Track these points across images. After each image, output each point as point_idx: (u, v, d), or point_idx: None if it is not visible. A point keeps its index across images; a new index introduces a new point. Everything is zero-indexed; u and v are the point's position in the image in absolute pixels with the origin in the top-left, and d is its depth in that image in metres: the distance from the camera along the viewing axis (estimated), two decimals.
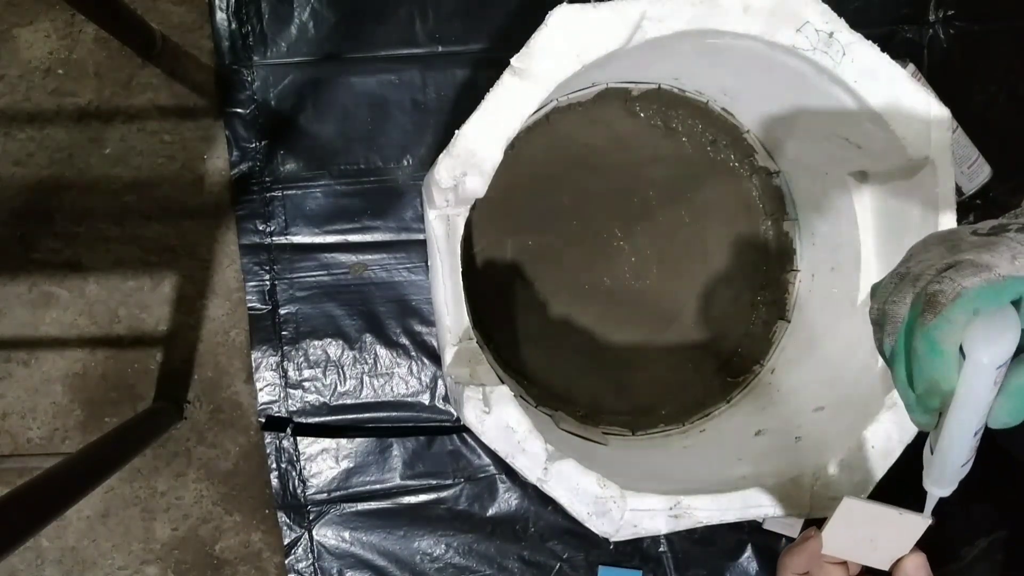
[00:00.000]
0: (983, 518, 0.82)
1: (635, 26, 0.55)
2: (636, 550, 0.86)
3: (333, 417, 0.83)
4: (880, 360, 0.64)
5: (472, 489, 0.84)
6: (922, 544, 0.44)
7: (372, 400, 0.83)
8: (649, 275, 0.79)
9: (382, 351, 0.83)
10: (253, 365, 0.82)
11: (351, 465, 0.83)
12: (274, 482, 0.83)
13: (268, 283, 0.82)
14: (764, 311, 0.82)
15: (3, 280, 0.81)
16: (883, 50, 0.58)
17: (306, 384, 0.83)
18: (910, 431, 0.61)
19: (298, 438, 0.82)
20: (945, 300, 0.29)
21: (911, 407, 0.36)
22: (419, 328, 0.83)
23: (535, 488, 0.57)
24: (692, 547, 0.85)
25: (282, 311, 0.82)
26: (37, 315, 0.82)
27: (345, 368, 0.83)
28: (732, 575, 0.86)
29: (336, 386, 0.83)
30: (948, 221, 0.61)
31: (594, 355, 0.79)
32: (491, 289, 0.77)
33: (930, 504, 0.41)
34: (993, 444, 0.78)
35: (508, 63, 0.55)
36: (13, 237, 0.81)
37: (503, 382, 0.57)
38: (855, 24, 0.58)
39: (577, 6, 0.55)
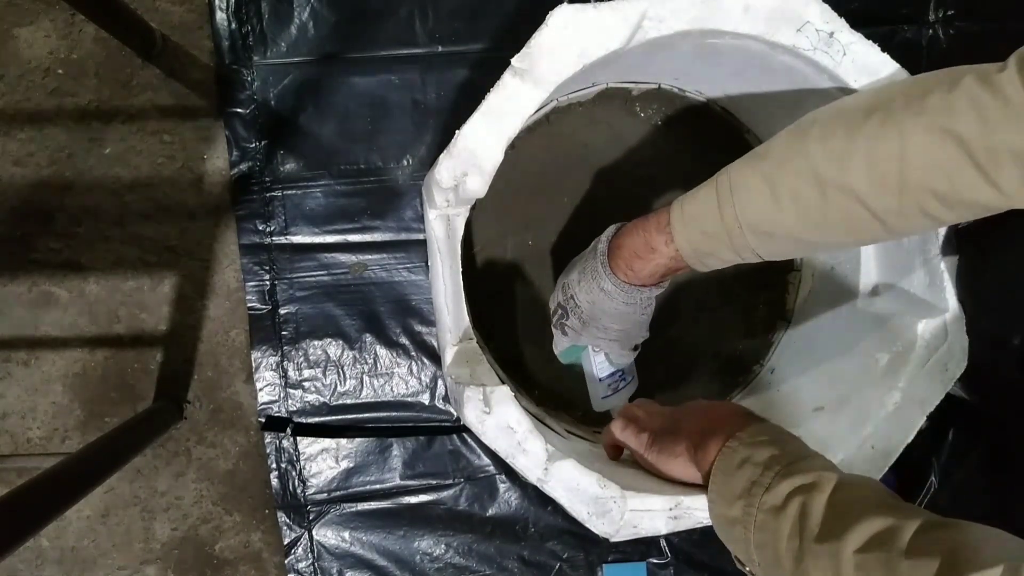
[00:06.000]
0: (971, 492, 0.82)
1: (635, 26, 0.55)
2: (636, 550, 0.86)
3: (333, 417, 0.83)
4: (880, 360, 0.65)
5: (472, 489, 0.84)
6: None
7: (372, 400, 0.83)
8: None
9: (382, 351, 0.83)
10: (253, 365, 0.82)
11: (351, 465, 0.83)
12: (274, 482, 0.83)
13: (268, 283, 0.82)
14: (764, 311, 0.82)
15: (3, 280, 0.81)
16: (883, 50, 0.58)
17: (306, 384, 0.83)
18: (910, 431, 0.62)
19: (298, 438, 0.82)
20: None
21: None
22: (419, 328, 0.83)
23: (535, 488, 0.57)
24: (693, 547, 0.85)
25: (282, 311, 0.82)
26: (37, 315, 0.82)
27: (345, 368, 0.83)
28: (732, 575, 0.86)
29: (336, 386, 0.83)
30: None
31: None
32: (491, 289, 0.76)
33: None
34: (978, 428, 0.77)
35: (508, 63, 0.55)
36: (13, 237, 0.81)
37: (503, 382, 0.57)
38: (855, 24, 0.58)
39: (578, 6, 0.55)
